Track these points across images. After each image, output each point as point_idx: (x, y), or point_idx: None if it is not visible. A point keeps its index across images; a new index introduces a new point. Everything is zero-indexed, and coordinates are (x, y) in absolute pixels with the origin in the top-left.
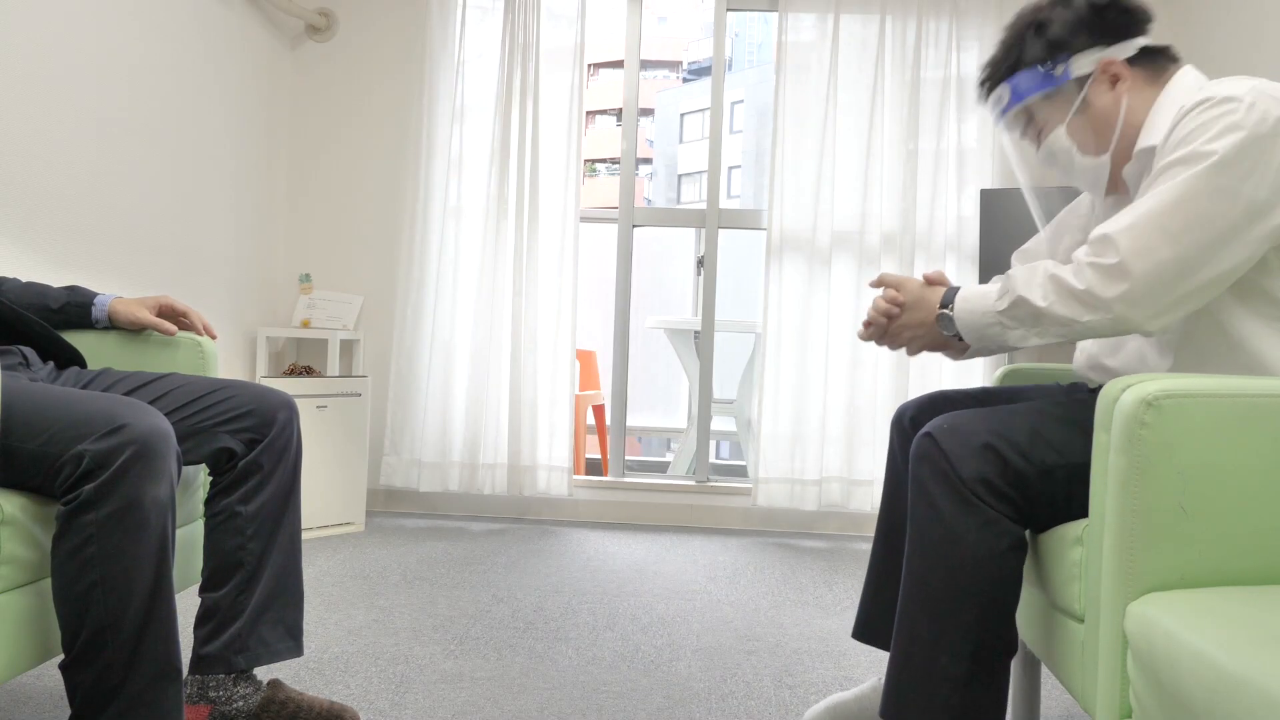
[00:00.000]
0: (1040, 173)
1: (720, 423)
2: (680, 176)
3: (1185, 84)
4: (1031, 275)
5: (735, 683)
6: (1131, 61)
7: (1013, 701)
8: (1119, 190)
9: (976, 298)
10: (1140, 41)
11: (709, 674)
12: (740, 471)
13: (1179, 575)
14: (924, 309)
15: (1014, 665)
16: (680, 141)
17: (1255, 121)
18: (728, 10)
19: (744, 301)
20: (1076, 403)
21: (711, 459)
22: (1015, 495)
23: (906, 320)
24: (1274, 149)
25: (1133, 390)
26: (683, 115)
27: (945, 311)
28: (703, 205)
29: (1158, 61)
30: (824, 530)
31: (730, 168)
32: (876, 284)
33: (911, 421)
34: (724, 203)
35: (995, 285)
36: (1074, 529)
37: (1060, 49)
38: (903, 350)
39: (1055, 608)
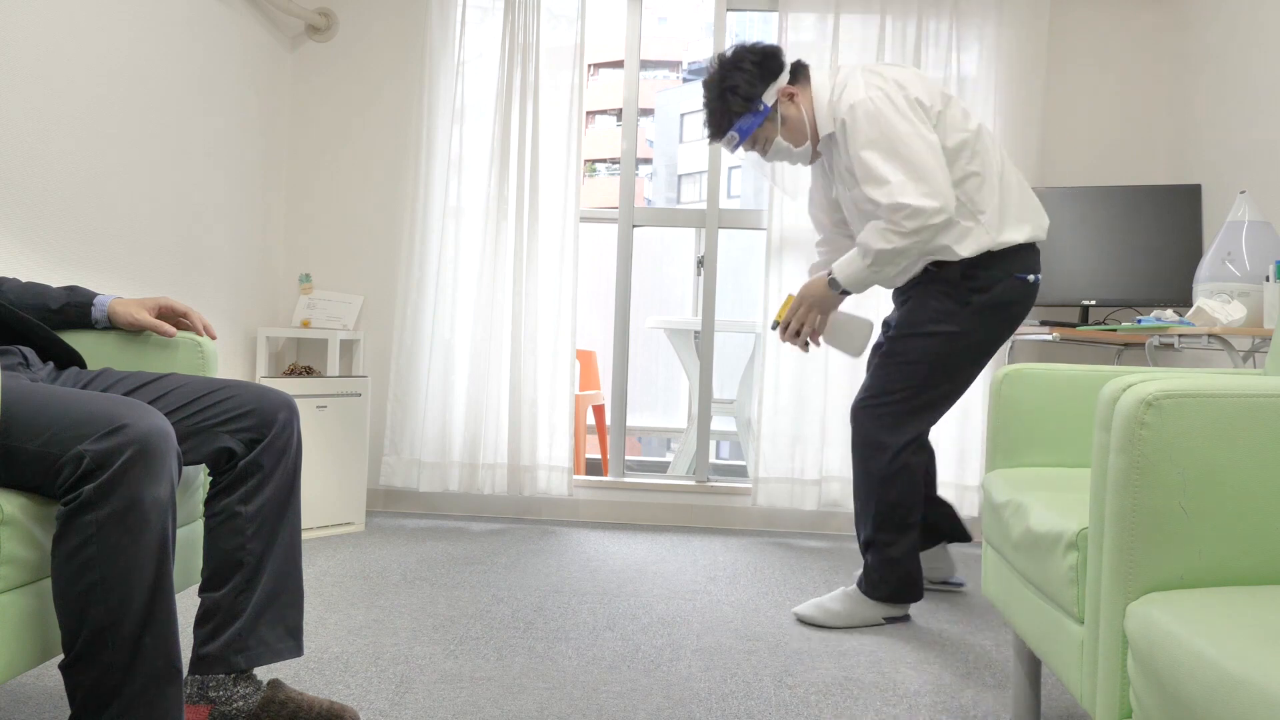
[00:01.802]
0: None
1: (720, 423)
2: (680, 176)
3: (820, 82)
4: (870, 237)
5: (735, 683)
6: (792, 81)
7: (1013, 701)
8: (819, 158)
9: (848, 263)
10: (787, 69)
11: (709, 674)
12: (740, 471)
13: (1179, 575)
14: (815, 285)
15: (1014, 665)
16: (680, 141)
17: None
18: (728, 10)
19: (744, 301)
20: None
21: (711, 459)
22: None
23: (804, 295)
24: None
25: (1133, 390)
26: (683, 115)
27: (832, 278)
28: (703, 205)
29: (801, 72)
30: (824, 530)
31: (730, 168)
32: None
33: None
34: (724, 203)
35: (853, 253)
36: (1069, 533)
37: (753, 97)
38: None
39: (1055, 608)
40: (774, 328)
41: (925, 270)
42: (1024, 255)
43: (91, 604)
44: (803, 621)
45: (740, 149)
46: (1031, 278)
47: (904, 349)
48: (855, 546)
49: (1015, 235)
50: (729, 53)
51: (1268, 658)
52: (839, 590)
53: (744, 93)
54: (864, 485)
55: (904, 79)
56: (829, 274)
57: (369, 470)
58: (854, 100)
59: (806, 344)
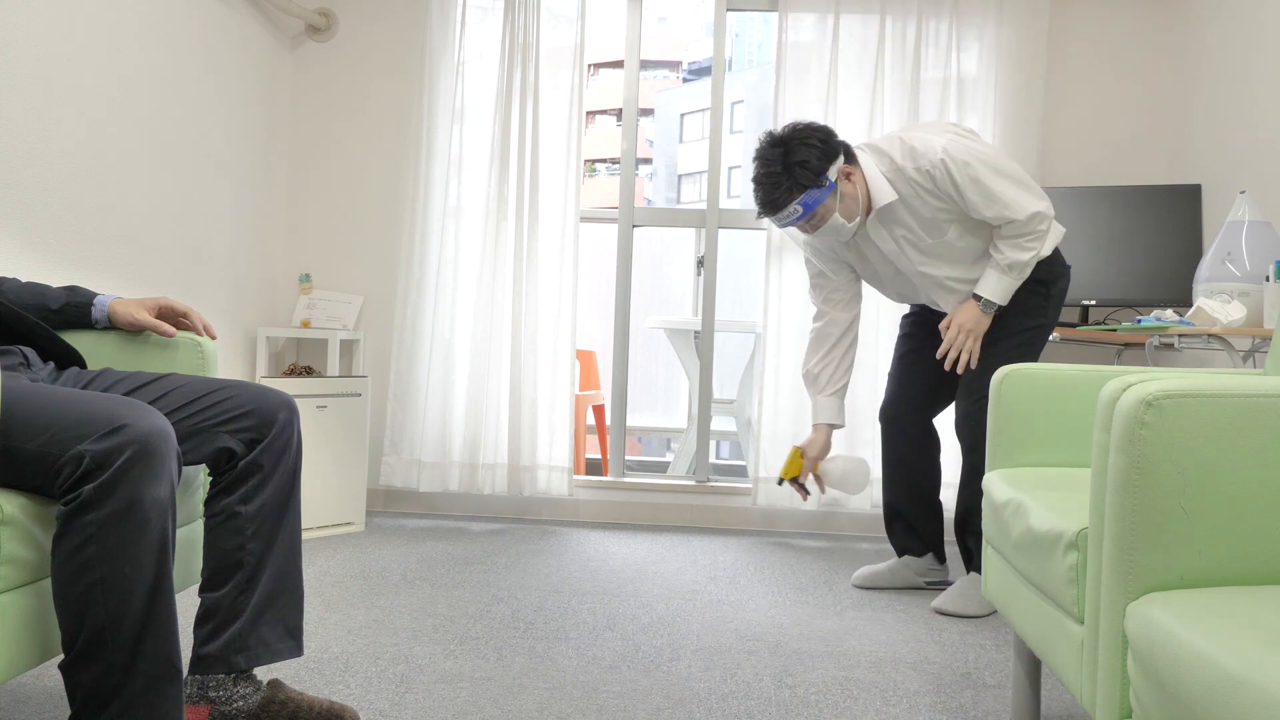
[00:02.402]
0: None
1: (720, 423)
2: (680, 176)
3: (866, 159)
4: (1012, 252)
5: (735, 683)
6: (848, 160)
7: (1013, 701)
8: (859, 230)
9: (995, 282)
10: (844, 146)
11: (709, 674)
12: (740, 471)
13: (1179, 575)
14: (968, 311)
15: (1014, 665)
16: (680, 141)
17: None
18: (728, 10)
19: (744, 301)
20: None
21: (711, 459)
22: None
23: (961, 322)
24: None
25: (1133, 390)
26: (683, 115)
27: (982, 299)
28: (703, 205)
29: (850, 153)
30: (824, 530)
31: (730, 168)
32: (945, 325)
33: (912, 420)
34: (724, 203)
35: (994, 273)
36: (1069, 533)
37: (821, 172)
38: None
39: (1055, 608)
40: (780, 483)
41: None
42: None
43: (91, 604)
44: (942, 613)
45: (792, 224)
46: (1067, 261)
47: (1004, 350)
48: (855, 546)
49: (1059, 228)
50: (787, 129)
51: (1268, 658)
52: (963, 580)
53: (814, 168)
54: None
55: (944, 124)
56: (976, 297)
57: (369, 470)
58: (936, 153)
59: (806, 492)
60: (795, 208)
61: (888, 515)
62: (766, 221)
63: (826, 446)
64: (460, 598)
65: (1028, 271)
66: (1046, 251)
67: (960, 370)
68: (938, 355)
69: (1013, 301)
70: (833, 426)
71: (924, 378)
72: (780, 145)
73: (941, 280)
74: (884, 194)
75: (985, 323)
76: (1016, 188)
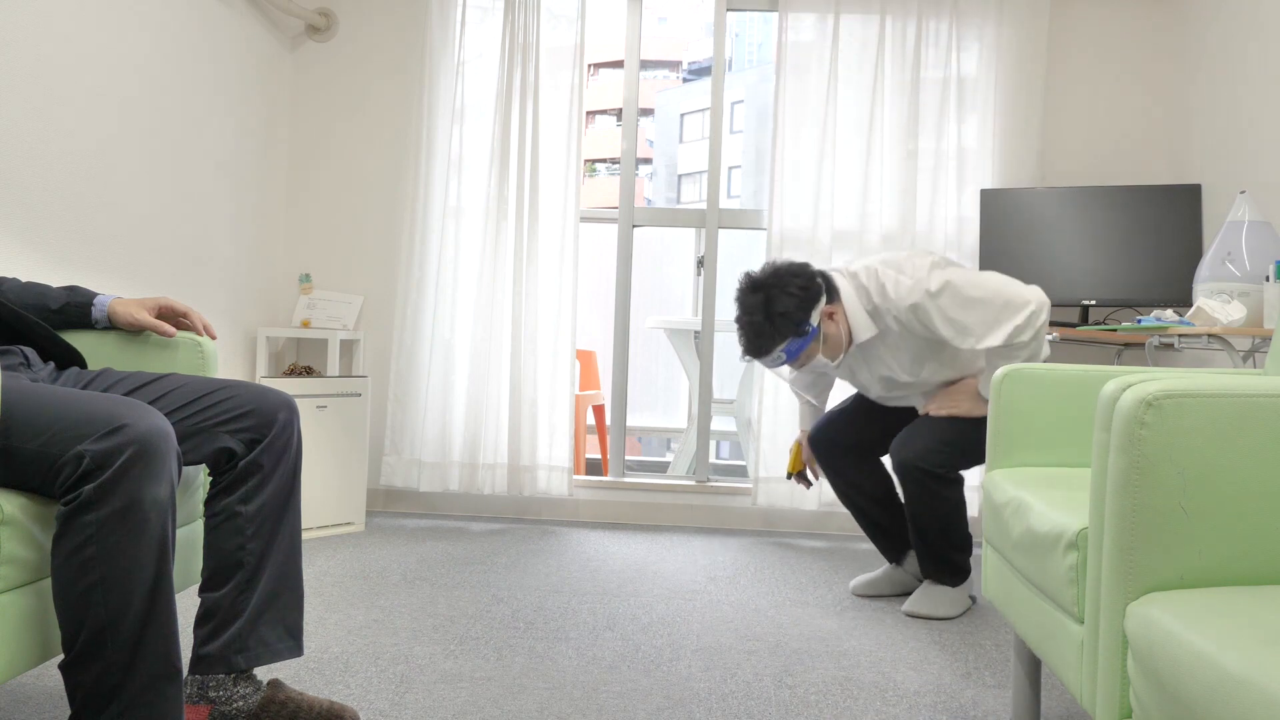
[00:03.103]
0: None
1: (720, 423)
2: (680, 176)
3: (848, 292)
4: (997, 362)
5: (735, 683)
6: (829, 299)
7: (1013, 701)
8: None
9: (989, 381)
10: (825, 286)
11: (709, 674)
12: (740, 471)
13: (1179, 575)
14: (968, 390)
15: (1014, 665)
16: (680, 141)
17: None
18: (728, 10)
19: None
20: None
21: (711, 459)
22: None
23: (955, 395)
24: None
25: (1133, 390)
26: (683, 115)
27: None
28: (703, 205)
29: (833, 290)
30: (824, 530)
31: (730, 168)
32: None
33: (845, 451)
34: (724, 203)
35: (988, 374)
36: (1069, 533)
37: (802, 321)
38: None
39: (1055, 608)
40: (789, 478)
41: None
42: None
43: (91, 604)
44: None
45: (777, 367)
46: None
47: (957, 424)
48: (855, 546)
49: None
50: (767, 272)
51: (1268, 658)
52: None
53: (795, 318)
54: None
55: (919, 256)
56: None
57: (369, 470)
58: (904, 300)
59: (809, 482)
60: (779, 354)
61: (865, 528)
62: (766, 221)
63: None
64: (460, 598)
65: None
66: (1044, 353)
67: (803, 485)
68: (922, 410)
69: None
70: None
71: (875, 423)
72: (760, 291)
73: (931, 387)
74: (863, 330)
75: (978, 408)
76: (994, 312)
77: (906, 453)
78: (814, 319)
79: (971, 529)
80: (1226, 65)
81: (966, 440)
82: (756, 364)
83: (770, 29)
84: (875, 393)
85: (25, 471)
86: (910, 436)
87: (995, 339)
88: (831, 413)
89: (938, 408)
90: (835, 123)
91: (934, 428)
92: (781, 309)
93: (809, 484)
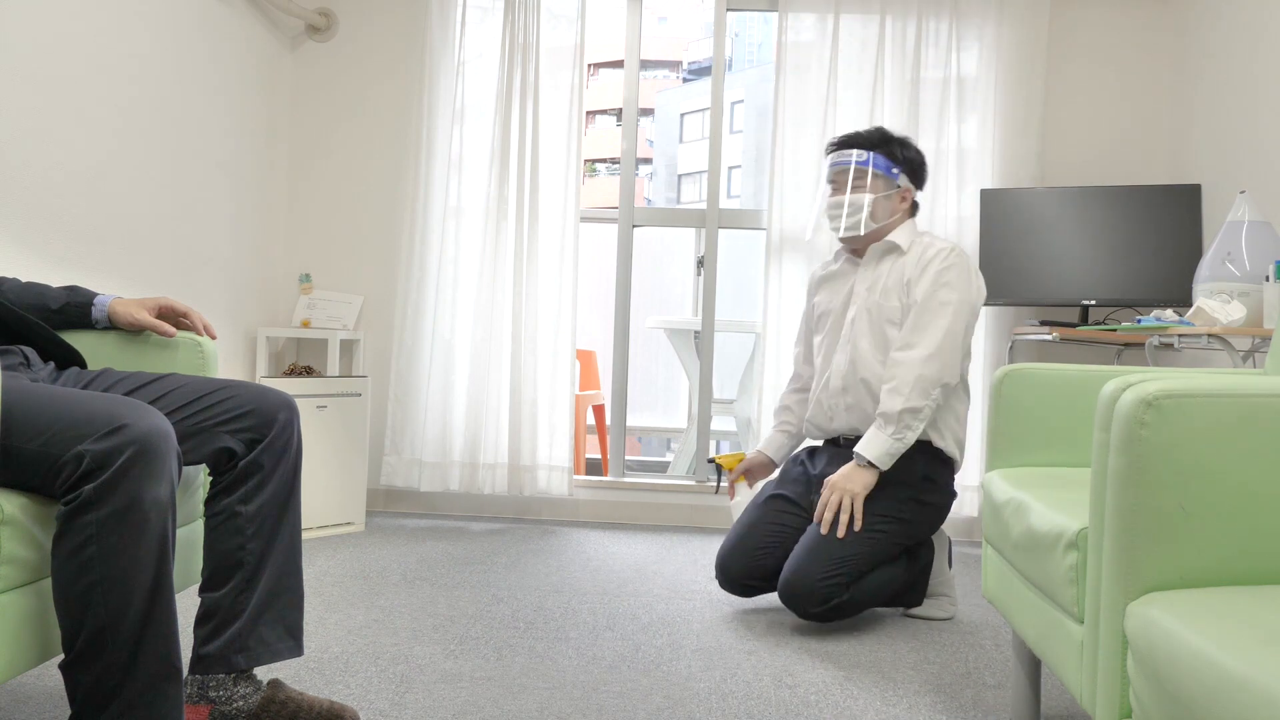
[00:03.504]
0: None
1: (720, 423)
2: (680, 176)
3: (912, 223)
4: (895, 395)
5: (735, 683)
6: (914, 202)
7: (1013, 701)
8: (860, 251)
9: (872, 442)
10: (920, 195)
11: (709, 674)
12: None
13: (1179, 575)
14: (847, 473)
15: (1014, 665)
16: (680, 141)
17: (969, 277)
18: (728, 10)
19: (744, 301)
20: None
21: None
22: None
23: (834, 480)
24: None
25: (1133, 390)
26: (683, 115)
27: (859, 455)
28: (703, 205)
29: (915, 209)
30: None
31: (730, 168)
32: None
33: (766, 576)
34: (724, 203)
35: (874, 429)
36: (1069, 532)
37: (903, 164)
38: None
39: (1055, 608)
40: (710, 462)
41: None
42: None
43: (91, 604)
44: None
45: (844, 165)
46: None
47: (860, 536)
48: None
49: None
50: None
51: (1268, 658)
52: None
53: (906, 154)
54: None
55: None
56: (858, 459)
57: (369, 470)
58: (948, 261)
59: (717, 489)
60: (864, 154)
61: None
62: (766, 221)
63: (765, 470)
64: (460, 598)
65: (904, 436)
66: (917, 429)
67: (841, 533)
68: (815, 516)
69: (889, 489)
70: (772, 462)
71: (776, 535)
72: (894, 132)
73: (858, 369)
74: (901, 237)
75: (861, 480)
76: (943, 338)
77: (795, 592)
78: (903, 178)
79: (971, 529)
80: (1226, 65)
81: (864, 547)
82: (756, 363)
83: (770, 29)
84: (826, 371)
85: (25, 471)
86: (794, 568)
87: (919, 350)
88: (740, 536)
89: (822, 508)
90: (835, 123)
91: (818, 550)
92: (904, 141)
93: (716, 490)
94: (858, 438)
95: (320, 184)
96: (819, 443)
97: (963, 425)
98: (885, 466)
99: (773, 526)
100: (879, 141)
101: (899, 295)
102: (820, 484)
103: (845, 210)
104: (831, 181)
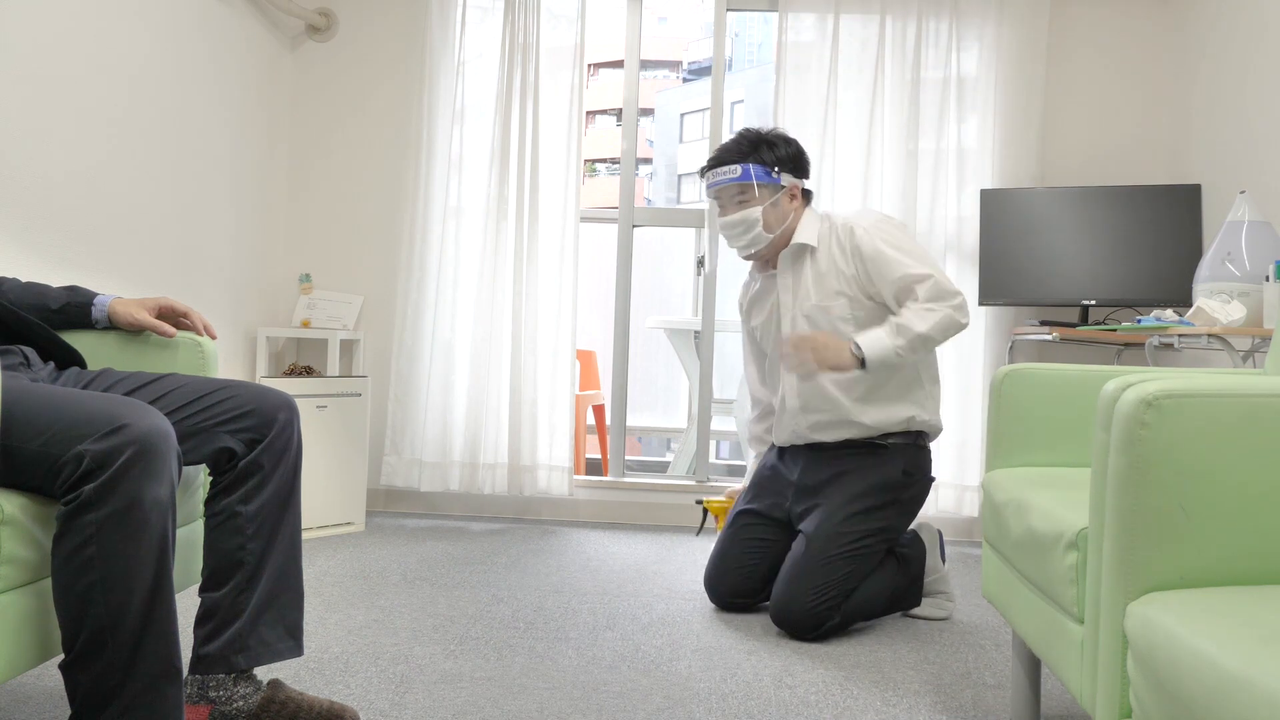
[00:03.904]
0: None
1: (720, 423)
2: (680, 176)
3: (811, 213)
4: (912, 319)
5: (735, 683)
6: (804, 193)
7: (1013, 701)
8: (772, 261)
9: (877, 343)
10: (808, 184)
11: (709, 674)
12: (740, 471)
13: (1179, 575)
14: (840, 346)
15: (1014, 665)
16: (680, 141)
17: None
18: (728, 10)
19: None
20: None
21: (711, 459)
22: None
23: (827, 341)
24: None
25: (1133, 390)
26: (683, 115)
27: (858, 345)
28: (703, 205)
29: (808, 198)
30: None
31: None
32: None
33: (731, 599)
34: None
35: (883, 330)
36: (1069, 532)
37: (781, 163)
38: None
39: (1055, 608)
40: (699, 503)
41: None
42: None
43: (91, 604)
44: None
45: (723, 186)
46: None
47: (835, 557)
48: None
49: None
50: (782, 131)
51: (1268, 658)
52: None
53: (779, 153)
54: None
55: (878, 213)
56: (854, 344)
57: (369, 470)
58: (864, 221)
59: (701, 527)
60: (736, 169)
61: None
62: None
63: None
64: (460, 598)
65: (908, 358)
66: (943, 334)
67: (793, 368)
68: (780, 353)
69: (866, 498)
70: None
71: (758, 554)
72: (765, 131)
73: (811, 380)
74: (806, 235)
75: (841, 360)
76: (919, 260)
77: (787, 619)
78: (785, 178)
79: (971, 529)
80: (1226, 65)
81: (850, 565)
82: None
83: (770, 29)
84: (795, 387)
85: (25, 471)
86: (782, 594)
87: (916, 269)
88: (719, 557)
89: (788, 350)
90: (835, 123)
91: (803, 574)
92: (771, 140)
93: (700, 529)
94: (837, 442)
95: (320, 184)
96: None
97: (936, 385)
98: (872, 371)
99: (748, 544)
100: (749, 150)
101: (842, 288)
102: (801, 492)
103: (739, 229)
104: (715, 200)
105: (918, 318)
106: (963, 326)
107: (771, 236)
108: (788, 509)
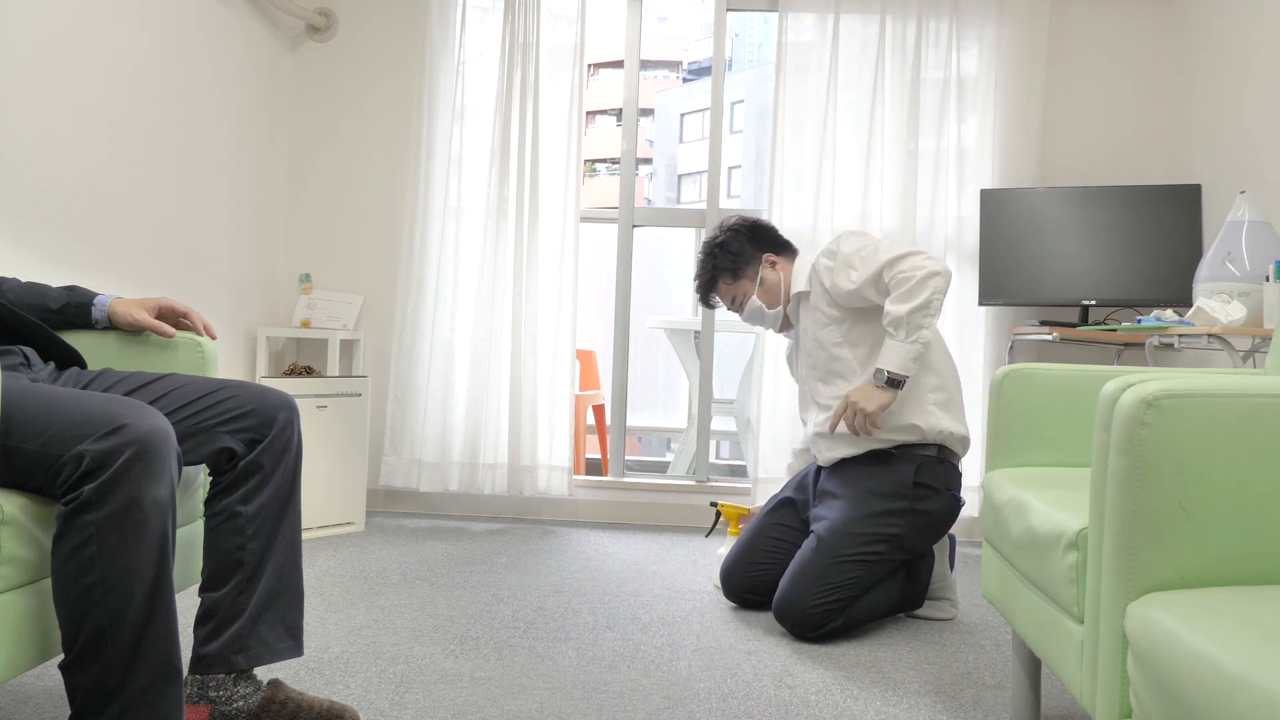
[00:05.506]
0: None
1: (720, 423)
2: (680, 176)
3: (803, 259)
4: (896, 306)
5: (735, 683)
6: (777, 253)
7: (1013, 701)
8: (788, 325)
9: (888, 352)
10: (778, 241)
11: (709, 674)
12: (740, 471)
13: (1179, 575)
14: (864, 390)
15: (1014, 665)
16: (680, 141)
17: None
18: (728, 10)
19: None
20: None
21: (711, 459)
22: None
23: (854, 396)
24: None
25: (1133, 390)
26: (683, 115)
27: (879, 370)
28: (703, 205)
29: (788, 250)
30: None
31: (730, 168)
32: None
33: (743, 594)
34: (724, 203)
35: (888, 340)
36: (1069, 532)
37: (742, 254)
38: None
39: (1055, 608)
40: (713, 505)
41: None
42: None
43: (91, 604)
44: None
45: (721, 302)
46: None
47: (841, 560)
48: None
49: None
50: (731, 219)
51: (1268, 658)
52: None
53: (734, 248)
54: None
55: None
56: (874, 373)
57: (369, 470)
58: (828, 248)
59: (711, 530)
60: (713, 285)
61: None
62: (767, 220)
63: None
64: (460, 598)
65: (920, 336)
66: (930, 324)
67: (842, 429)
68: (828, 427)
69: (878, 502)
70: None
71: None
72: (716, 233)
73: (816, 391)
74: (798, 284)
75: (878, 398)
76: (872, 256)
77: (788, 617)
78: (752, 261)
79: (971, 529)
80: (1226, 65)
81: (859, 570)
82: (756, 363)
83: (770, 29)
84: (815, 388)
85: (25, 471)
86: (785, 590)
87: (889, 252)
88: (742, 548)
89: (835, 420)
90: (835, 123)
91: (808, 572)
92: (722, 239)
93: (710, 532)
94: (853, 456)
95: (320, 184)
96: None
97: (941, 392)
98: (910, 373)
99: (772, 540)
100: (710, 265)
101: (830, 315)
102: (819, 495)
103: (754, 320)
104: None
105: (900, 302)
106: (940, 273)
107: (780, 308)
108: (804, 517)
